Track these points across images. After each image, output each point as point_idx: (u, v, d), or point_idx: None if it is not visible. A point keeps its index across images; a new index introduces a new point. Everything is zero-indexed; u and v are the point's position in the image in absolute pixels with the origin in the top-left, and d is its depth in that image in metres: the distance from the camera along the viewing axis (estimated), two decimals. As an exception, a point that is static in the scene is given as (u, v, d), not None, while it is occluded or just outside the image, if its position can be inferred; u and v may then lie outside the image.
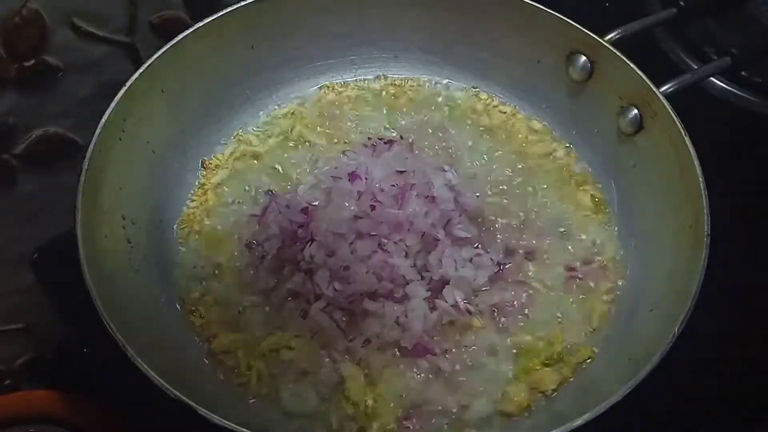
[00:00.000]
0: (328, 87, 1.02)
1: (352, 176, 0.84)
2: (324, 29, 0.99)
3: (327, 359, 0.79)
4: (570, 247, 0.88)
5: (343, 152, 0.92)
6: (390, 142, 0.94)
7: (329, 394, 0.77)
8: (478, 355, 0.80)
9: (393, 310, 0.79)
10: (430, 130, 0.98)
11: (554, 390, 0.78)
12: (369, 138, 0.95)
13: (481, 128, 0.98)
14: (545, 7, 0.91)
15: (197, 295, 0.83)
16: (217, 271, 0.85)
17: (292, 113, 0.99)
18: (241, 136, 0.97)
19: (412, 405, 0.76)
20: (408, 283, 0.80)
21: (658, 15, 1.00)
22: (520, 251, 0.87)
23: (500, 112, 1.00)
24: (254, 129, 0.98)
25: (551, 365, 0.79)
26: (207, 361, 0.79)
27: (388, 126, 0.98)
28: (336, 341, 0.79)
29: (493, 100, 1.01)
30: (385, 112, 1.00)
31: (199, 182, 0.93)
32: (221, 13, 0.90)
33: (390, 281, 0.79)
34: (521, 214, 0.90)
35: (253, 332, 0.81)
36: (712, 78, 1.00)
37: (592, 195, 0.93)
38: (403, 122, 0.98)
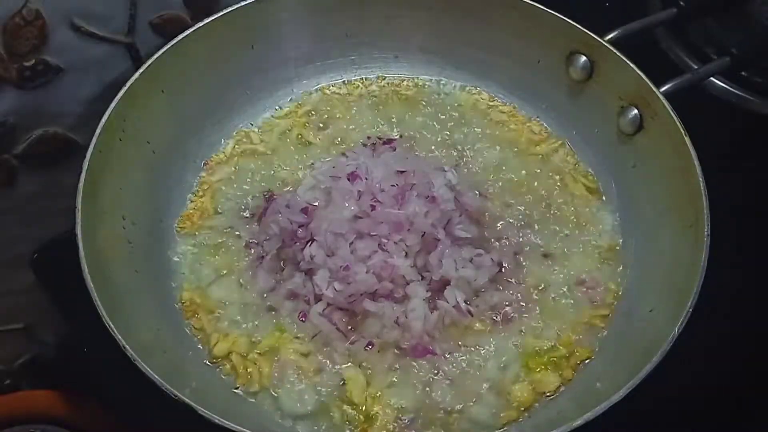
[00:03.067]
0: (328, 87, 1.02)
1: (352, 176, 0.84)
2: (324, 29, 0.99)
3: (327, 361, 0.79)
4: (569, 247, 0.88)
5: (343, 153, 0.92)
6: (390, 141, 0.94)
7: (330, 396, 0.77)
8: (479, 356, 0.79)
9: (393, 311, 0.79)
10: (430, 130, 0.98)
11: (555, 390, 0.78)
12: (369, 137, 0.96)
13: (481, 128, 0.98)
14: (545, 7, 0.91)
15: (197, 295, 0.83)
16: (216, 271, 0.85)
17: (292, 113, 0.99)
18: (241, 136, 0.97)
19: (413, 406, 0.76)
20: (408, 284, 0.80)
21: (658, 15, 1.00)
22: (521, 251, 0.87)
23: (500, 112, 1.00)
24: (254, 129, 0.98)
25: (553, 366, 0.79)
26: (207, 361, 0.79)
27: (388, 126, 0.98)
28: (336, 343, 0.79)
29: (493, 100, 1.01)
30: (385, 112, 1.00)
31: (199, 182, 0.93)
32: (221, 13, 0.90)
33: (390, 281, 0.79)
34: (521, 214, 0.90)
35: (253, 333, 0.81)
36: (712, 78, 1.01)
37: (591, 195, 0.93)
38: (403, 122, 0.98)
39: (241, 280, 0.84)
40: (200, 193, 0.92)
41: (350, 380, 0.77)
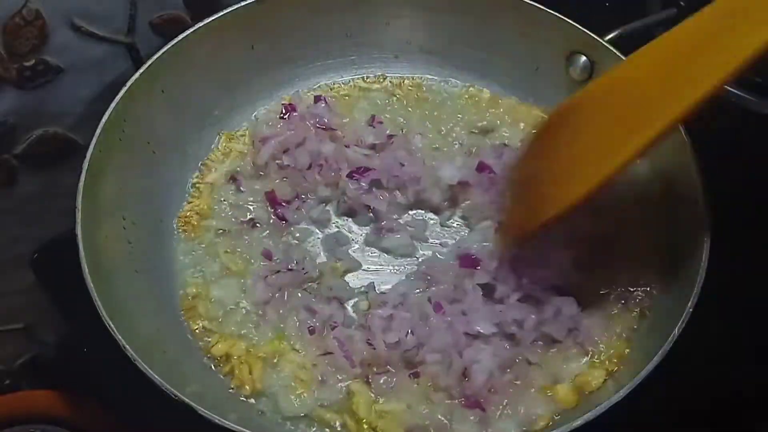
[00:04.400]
0: (328, 87, 1.02)
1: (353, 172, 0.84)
2: (324, 29, 0.99)
3: (332, 370, 0.77)
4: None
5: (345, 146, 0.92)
6: (390, 138, 0.93)
7: (333, 405, 0.75)
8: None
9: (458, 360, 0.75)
10: (430, 130, 0.97)
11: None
12: (368, 136, 0.95)
13: (481, 128, 0.98)
14: (545, 7, 0.91)
15: (197, 295, 0.83)
16: (216, 272, 0.85)
17: (292, 113, 0.99)
18: (241, 136, 0.97)
19: (418, 421, 0.74)
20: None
21: (658, 15, 1.00)
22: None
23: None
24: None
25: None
26: (207, 362, 0.79)
27: (388, 125, 0.98)
28: (343, 365, 0.77)
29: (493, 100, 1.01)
30: (385, 111, 0.99)
31: (198, 182, 0.93)
32: (221, 13, 0.90)
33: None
34: (521, 214, 0.90)
35: (252, 336, 0.80)
36: (712, 78, 1.00)
37: (592, 195, 0.92)
38: (402, 121, 0.98)
39: (241, 283, 0.84)
40: (200, 194, 0.91)
41: (357, 394, 0.75)
